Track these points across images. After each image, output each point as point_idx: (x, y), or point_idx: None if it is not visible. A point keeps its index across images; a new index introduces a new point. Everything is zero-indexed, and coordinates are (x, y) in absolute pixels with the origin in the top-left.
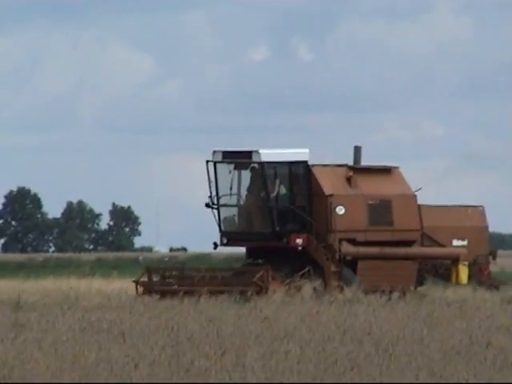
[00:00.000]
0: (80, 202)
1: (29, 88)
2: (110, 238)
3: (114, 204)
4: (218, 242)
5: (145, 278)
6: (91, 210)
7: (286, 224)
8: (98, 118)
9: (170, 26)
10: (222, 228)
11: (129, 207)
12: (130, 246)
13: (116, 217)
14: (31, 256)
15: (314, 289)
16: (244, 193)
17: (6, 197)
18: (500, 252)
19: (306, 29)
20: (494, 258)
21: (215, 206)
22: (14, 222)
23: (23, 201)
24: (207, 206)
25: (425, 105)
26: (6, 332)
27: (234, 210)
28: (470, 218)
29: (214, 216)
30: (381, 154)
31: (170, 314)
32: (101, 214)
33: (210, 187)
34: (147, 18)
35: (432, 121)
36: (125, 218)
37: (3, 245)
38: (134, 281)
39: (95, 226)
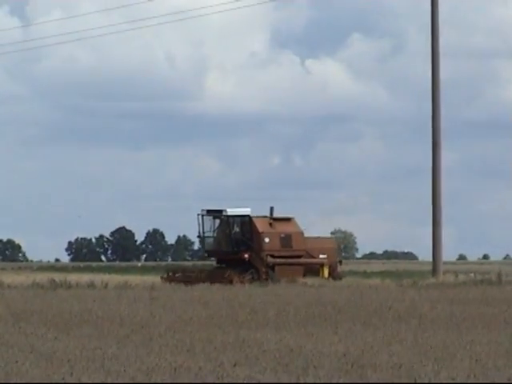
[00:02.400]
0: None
1: None
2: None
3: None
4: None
5: (165, 275)
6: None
7: (239, 246)
8: None
9: None
10: (206, 248)
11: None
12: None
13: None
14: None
15: (306, 282)
16: (217, 230)
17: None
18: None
19: None
20: (341, 264)
21: (202, 237)
22: None
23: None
24: (198, 237)
25: None
26: (145, 301)
27: (211, 239)
28: (327, 244)
29: (201, 242)
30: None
31: (223, 292)
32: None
33: (199, 227)
34: None
35: None
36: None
37: None
38: (161, 276)
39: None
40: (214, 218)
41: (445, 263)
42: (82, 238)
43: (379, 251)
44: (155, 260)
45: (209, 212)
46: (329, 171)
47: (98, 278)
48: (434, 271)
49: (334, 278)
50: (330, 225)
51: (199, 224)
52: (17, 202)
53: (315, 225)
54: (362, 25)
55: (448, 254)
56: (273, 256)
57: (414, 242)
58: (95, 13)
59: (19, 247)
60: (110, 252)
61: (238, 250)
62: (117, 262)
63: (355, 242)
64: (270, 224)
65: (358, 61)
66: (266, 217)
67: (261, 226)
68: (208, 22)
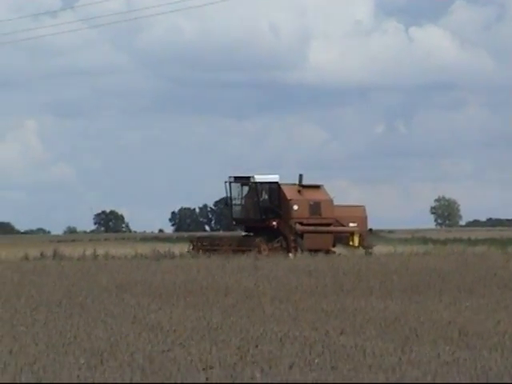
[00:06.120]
0: None
1: None
2: None
3: None
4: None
5: (191, 246)
6: None
7: (267, 214)
8: None
9: None
10: (233, 216)
11: None
12: None
13: None
14: None
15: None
16: (245, 198)
17: None
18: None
19: None
20: (371, 233)
21: (229, 205)
22: None
23: None
24: (225, 204)
25: None
26: (250, 271)
27: (239, 207)
28: (357, 212)
29: (230, 210)
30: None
31: (327, 261)
32: None
33: (226, 195)
34: None
35: None
36: None
37: None
38: (187, 247)
39: None
40: (242, 185)
41: None
42: (185, 208)
43: (483, 219)
44: None
45: (236, 179)
46: (432, 139)
47: None
48: None
49: (365, 248)
50: (434, 192)
51: (227, 191)
52: (120, 173)
53: (419, 192)
54: None
55: None
56: (301, 224)
57: None
58: None
59: (122, 218)
60: (213, 222)
61: (266, 217)
62: (220, 232)
63: (459, 210)
64: (299, 191)
65: (461, 28)
66: (294, 184)
67: (289, 193)
68: None
